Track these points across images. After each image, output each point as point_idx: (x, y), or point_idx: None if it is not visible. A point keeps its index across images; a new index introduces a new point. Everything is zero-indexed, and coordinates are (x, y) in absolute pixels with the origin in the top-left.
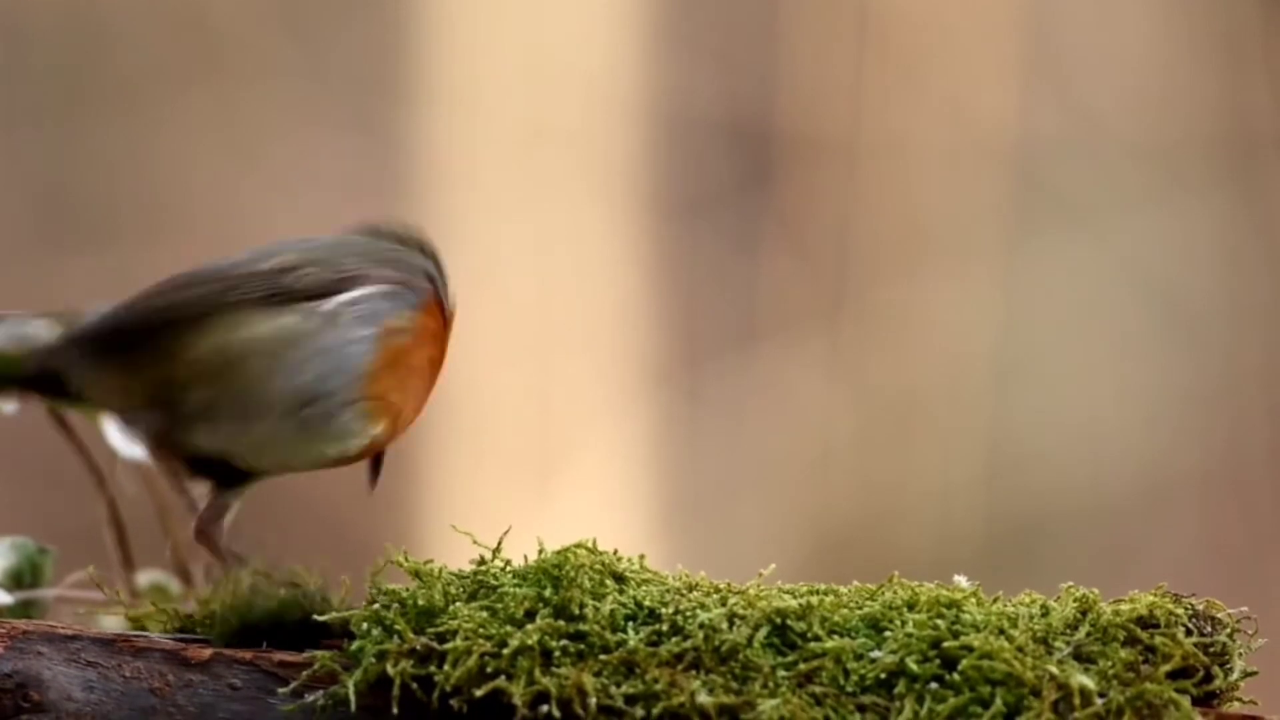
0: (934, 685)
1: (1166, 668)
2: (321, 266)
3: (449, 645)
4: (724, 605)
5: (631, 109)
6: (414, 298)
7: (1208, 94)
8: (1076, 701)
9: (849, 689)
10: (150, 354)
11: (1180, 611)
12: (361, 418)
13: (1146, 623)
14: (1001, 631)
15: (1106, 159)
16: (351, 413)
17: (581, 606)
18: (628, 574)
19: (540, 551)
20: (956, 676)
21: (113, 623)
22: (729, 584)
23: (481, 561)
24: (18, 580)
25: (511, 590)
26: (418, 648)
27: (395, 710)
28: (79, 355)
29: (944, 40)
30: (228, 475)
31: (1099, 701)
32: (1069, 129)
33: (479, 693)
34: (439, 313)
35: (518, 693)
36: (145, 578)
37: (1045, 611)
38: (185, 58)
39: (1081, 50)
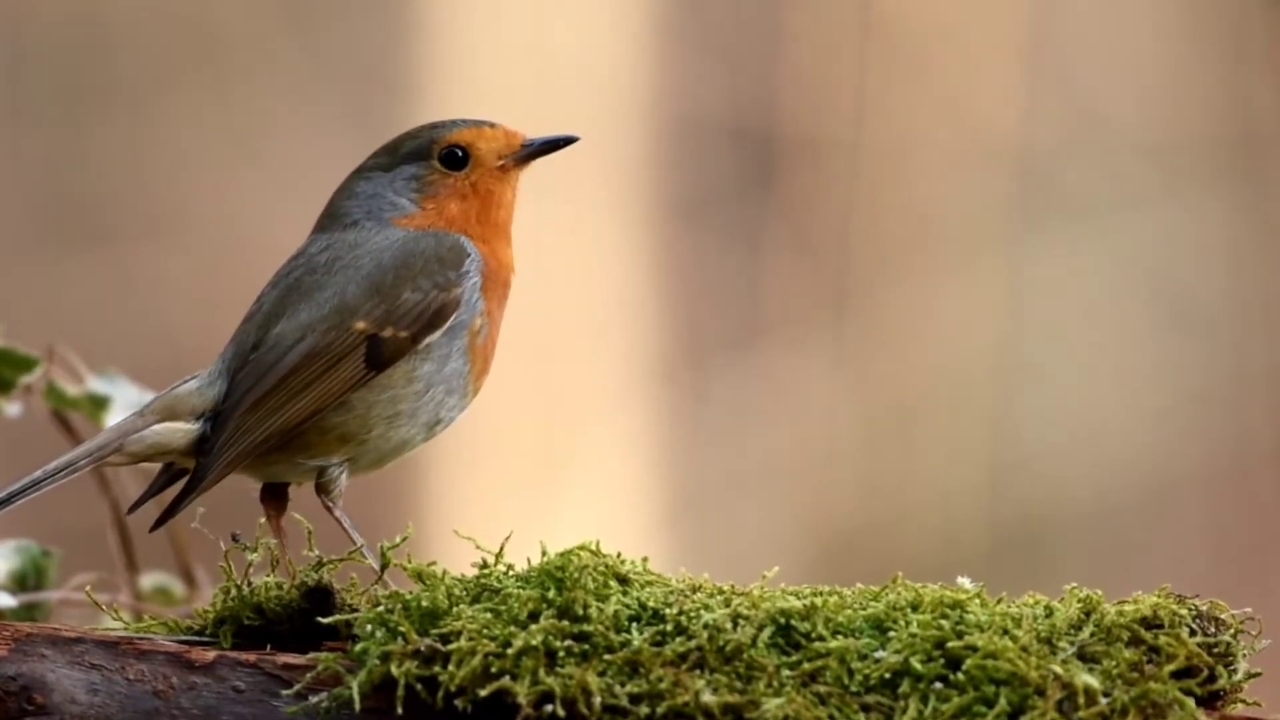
0: (938, 685)
1: (1170, 667)
2: (396, 318)
3: (453, 646)
4: (728, 606)
5: (636, 109)
6: (477, 287)
7: (1212, 92)
8: (1081, 701)
9: (853, 688)
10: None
11: (1184, 612)
12: (469, 401)
13: (1150, 623)
14: (1005, 632)
15: (1110, 158)
16: (464, 406)
17: (585, 607)
18: (631, 576)
19: (543, 554)
20: (961, 676)
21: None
22: (733, 585)
23: (484, 565)
24: (21, 583)
25: (515, 592)
26: (422, 649)
27: (400, 711)
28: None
29: (947, 41)
30: None
31: (1103, 701)
32: (1072, 128)
33: (483, 693)
34: (490, 266)
35: (522, 692)
36: (149, 580)
37: (1049, 612)
38: (185, 57)
39: (1085, 50)
